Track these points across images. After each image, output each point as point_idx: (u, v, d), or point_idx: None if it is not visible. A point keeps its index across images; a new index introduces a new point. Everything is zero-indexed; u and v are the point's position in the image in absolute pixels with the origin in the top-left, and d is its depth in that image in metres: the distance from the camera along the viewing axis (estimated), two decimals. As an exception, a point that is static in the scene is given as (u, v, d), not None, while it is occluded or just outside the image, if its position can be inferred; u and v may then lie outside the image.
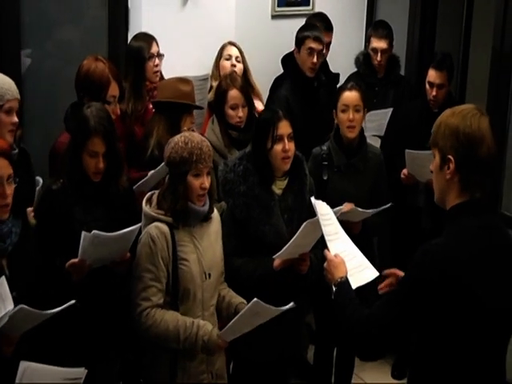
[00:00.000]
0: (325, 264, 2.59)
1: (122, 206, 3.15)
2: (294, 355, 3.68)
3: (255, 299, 2.85)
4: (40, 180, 3.36)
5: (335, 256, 2.59)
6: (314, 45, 4.57)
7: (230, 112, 4.00)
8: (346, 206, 3.60)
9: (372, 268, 2.72)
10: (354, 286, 2.51)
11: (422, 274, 2.23)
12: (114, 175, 3.16)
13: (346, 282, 2.50)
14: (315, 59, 4.57)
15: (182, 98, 3.79)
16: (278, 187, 3.44)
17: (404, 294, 2.28)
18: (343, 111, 3.88)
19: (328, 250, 2.64)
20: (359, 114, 3.88)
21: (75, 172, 3.09)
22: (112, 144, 3.11)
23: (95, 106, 3.17)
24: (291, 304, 2.98)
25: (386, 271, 2.72)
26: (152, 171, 3.55)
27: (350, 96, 3.88)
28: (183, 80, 3.87)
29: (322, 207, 2.93)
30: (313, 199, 3.00)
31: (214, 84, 4.45)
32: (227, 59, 4.59)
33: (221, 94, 4.04)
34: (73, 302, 2.64)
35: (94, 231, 2.86)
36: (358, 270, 2.64)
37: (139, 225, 3.04)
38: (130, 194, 3.30)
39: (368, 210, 3.71)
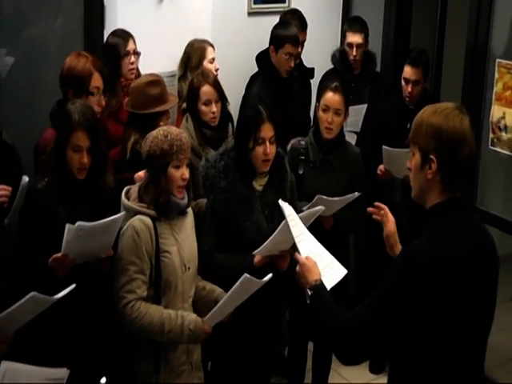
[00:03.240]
0: (297, 268, 2.55)
1: (108, 207, 3.13)
2: (275, 351, 3.68)
3: (245, 274, 2.91)
4: (26, 178, 3.32)
5: (307, 259, 2.56)
6: (292, 50, 4.58)
7: (204, 108, 3.97)
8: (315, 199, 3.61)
9: (339, 265, 2.72)
10: (328, 287, 2.49)
11: (404, 279, 2.21)
12: (99, 173, 3.15)
13: (321, 285, 2.47)
14: (292, 64, 4.61)
15: (153, 103, 3.74)
16: (259, 183, 3.45)
17: (387, 299, 2.25)
18: (324, 111, 3.89)
19: (298, 252, 2.61)
20: (339, 117, 3.88)
21: (60, 169, 3.09)
22: (96, 139, 3.11)
23: (79, 102, 3.22)
24: (269, 275, 3.04)
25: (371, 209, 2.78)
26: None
27: (333, 98, 3.87)
28: (151, 82, 3.80)
29: (287, 208, 2.94)
30: (280, 201, 3.02)
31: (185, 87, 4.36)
32: (211, 62, 4.53)
33: (193, 92, 4.01)
34: (74, 286, 2.68)
35: (79, 222, 2.86)
36: (328, 269, 2.63)
37: (123, 213, 3.04)
38: (117, 195, 3.25)
39: (335, 198, 3.69)
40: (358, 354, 2.35)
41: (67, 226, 2.85)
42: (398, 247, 2.70)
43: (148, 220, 3.04)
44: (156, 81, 3.82)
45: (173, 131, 3.07)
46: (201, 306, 3.27)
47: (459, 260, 2.25)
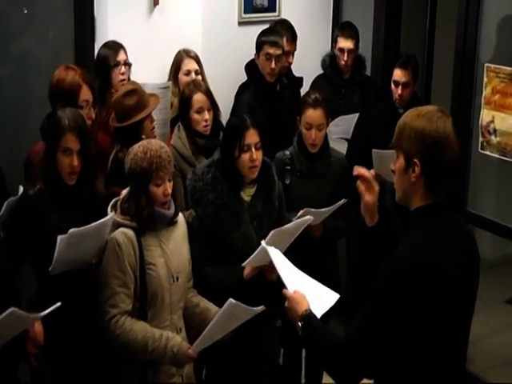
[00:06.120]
0: (286, 303, 2.51)
1: (99, 214, 3.12)
2: (267, 360, 3.69)
3: (230, 299, 2.86)
4: (21, 188, 3.31)
5: (295, 292, 2.52)
6: (271, 50, 4.60)
7: (196, 117, 3.98)
8: (301, 213, 3.61)
9: (331, 292, 2.70)
10: (319, 315, 2.47)
11: (393, 292, 2.21)
12: (89, 178, 3.17)
13: (310, 314, 2.44)
14: (273, 64, 4.61)
15: (131, 113, 3.72)
16: (247, 194, 3.46)
17: (378, 314, 2.23)
18: (307, 129, 3.89)
19: (286, 288, 2.57)
20: (322, 131, 3.90)
21: (50, 174, 3.10)
22: (86, 143, 3.13)
23: (69, 109, 3.23)
24: (261, 307, 2.99)
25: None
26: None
27: (314, 115, 3.87)
28: (127, 93, 3.78)
29: (272, 250, 2.93)
30: (263, 243, 3.01)
31: (176, 101, 4.36)
32: (186, 74, 4.54)
33: (185, 101, 4.01)
34: (59, 304, 2.68)
35: (70, 230, 2.88)
36: (319, 298, 2.61)
37: (111, 215, 3.05)
38: (107, 202, 3.25)
39: (323, 209, 3.70)
40: (352, 373, 2.31)
41: (59, 237, 2.87)
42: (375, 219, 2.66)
43: (130, 232, 3.03)
44: (132, 90, 3.80)
45: (153, 147, 3.02)
46: (195, 324, 3.23)
47: (442, 263, 2.26)
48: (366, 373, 2.34)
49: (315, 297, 2.58)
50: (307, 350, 2.40)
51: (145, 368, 3.08)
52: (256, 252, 3.14)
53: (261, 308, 3.00)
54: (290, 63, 5.03)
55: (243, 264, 3.26)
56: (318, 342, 2.39)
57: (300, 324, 2.43)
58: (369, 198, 2.63)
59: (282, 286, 2.63)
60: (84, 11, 4.60)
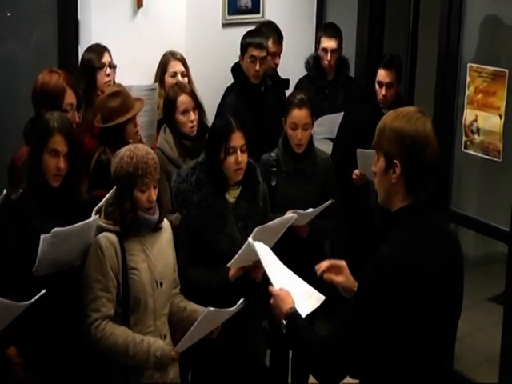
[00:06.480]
0: (271, 300, 2.52)
1: (82, 217, 3.11)
2: (253, 361, 3.69)
3: (208, 308, 2.89)
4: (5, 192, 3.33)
5: (280, 290, 2.53)
6: (255, 52, 4.61)
7: (181, 118, 3.98)
8: (288, 213, 3.61)
9: (317, 293, 2.70)
10: (304, 315, 2.47)
11: (375, 293, 2.21)
12: (74, 181, 3.16)
13: (295, 312, 2.45)
14: (257, 67, 4.61)
15: (115, 115, 3.73)
16: (232, 196, 3.46)
17: (360, 314, 2.24)
18: (292, 129, 3.91)
19: (272, 285, 2.59)
20: (307, 131, 3.92)
21: (35, 176, 3.10)
22: (73, 146, 3.13)
23: (57, 112, 3.23)
24: (241, 301, 3.01)
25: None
26: None
27: (299, 115, 3.89)
28: (111, 95, 3.79)
29: (259, 246, 2.93)
30: (250, 239, 3.01)
31: (162, 103, 4.34)
32: (172, 76, 4.56)
33: (170, 102, 4.02)
34: (44, 291, 2.69)
35: (53, 229, 2.88)
36: (305, 298, 2.62)
37: (96, 217, 3.05)
38: (91, 206, 3.25)
39: (309, 210, 3.72)
40: (335, 372, 2.32)
41: (42, 236, 2.87)
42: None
43: (113, 237, 3.03)
44: (116, 92, 3.81)
45: (139, 152, 3.02)
46: (184, 327, 3.20)
47: (425, 263, 2.27)
48: (349, 372, 2.35)
49: (301, 296, 2.59)
50: (291, 347, 2.40)
51: (128, 373, 3.07)
52: (243, 248, 3.14)
53: (240, 302, 3.01)
54: (277, 65, 5.04)
55: (228, 264, 3.27)
56: (301, 341, 2.39)
57: (284, 322, 2.44)
58: (341, 278, 2.63)
59: (268, 282, 2.64)
60: (67, 14, 4.61)
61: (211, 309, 2.89)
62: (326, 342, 2.30)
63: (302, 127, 3.89)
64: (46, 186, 3.12)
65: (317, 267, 2.63)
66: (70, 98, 3.62)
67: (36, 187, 3.11)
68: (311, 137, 4.01)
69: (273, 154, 3.99)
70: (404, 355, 2.28)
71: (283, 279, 2.67)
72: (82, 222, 2.98)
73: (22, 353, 3.09)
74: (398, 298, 2.20)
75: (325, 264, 2.64)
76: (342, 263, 2.65)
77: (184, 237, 3.38)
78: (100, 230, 3.06)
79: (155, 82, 4.60)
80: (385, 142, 2.32)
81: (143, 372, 3.09)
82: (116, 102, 3.74)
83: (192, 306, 3.26)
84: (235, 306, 3.02)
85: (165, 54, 4.64)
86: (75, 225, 2.97)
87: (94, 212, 3.12)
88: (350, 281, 2.61)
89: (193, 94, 4.09)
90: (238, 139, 3.38)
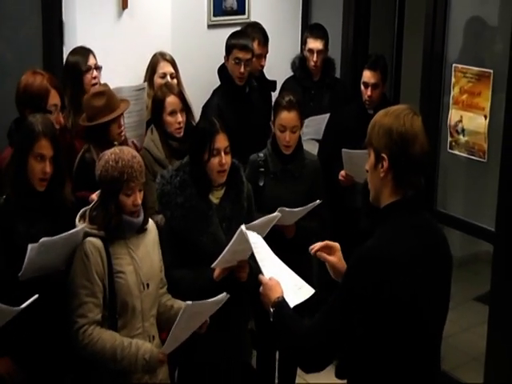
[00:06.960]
0: (260, 289, 2.56)
1: (67, 220, 3.12)
2: (239, 361, 3.69)
3: (186, 302, 2.88)
4: None
5: (270, 279, 2.57)
6: (240, 54, 4.60)
7: (169, 119, 4.00)
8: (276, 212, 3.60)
9: (307, 285, 2.71)
10: (291, 305, 2.50)
11: (358, 282, 2.23)
12: (59, 185, 3.16)
13: (283, 301, 2.48)
14: (242, 69, 4.60)
15: (99, 114, 3.74)
16: (216, 197, 3.46)
17: (342, 304, 2.27)
18: (281, 131, 3.91)
19: (262, 274, 2.62)
20: (296, 133, 3.93)
21: (19, 180, 3.08)
22: (58, 150, 3.12)
23: (40, 115, 3.21)
24: (224, 294, 3.01)
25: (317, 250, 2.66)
26: None
27: (288, 117, 3.89)
28: (96, 94, 3.81)
29: (251, 235, 2.93)
30: (243, 227, 3.02)
31: (150, 103, 4.34)
32: (161, 77, 4.56)
33: (158, 103, 4.04)
34: (36, 296, 2.70)
35: (41, 240, 2.88)
36: (294, 289, 2.63)
37: (83, 225, 3.04)
38: (76, 209, 3.24)
39: (297, 209, 3.72)
40: (318, 361, 2.36)
41: (30, 246, 2.87)
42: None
43: (98, 242, 3.01)
44: (101, 92, 3.82)
45: (125, 156, 3.00)
46: (171, 326, 3.18)
47: (412, 260, 2.28)
48: (332, 361, 2.36)
49: (291, 287, 2.62)
50: (276, 334, 2.44)
51: (117, 376, 3.06)
52: (235, 237, 3.12)
53: (223, 295, 3.01)
54: (263, 66, 5.04)
55: (214, 264, 3.26)
56: (286, 330, 2.42)
57: (272, 310, 2.48)
58: (333, 258, 2.65)
59: (259, 271, 2.66)
60: (52, 15, 4.60)
61: (189, 303, 2.88)
62: (311, 330, 2.33)
63: (291, 129, 3.90)
64: (31, 190, 3.11)
65: (311, 247, 2.67)
66: (54, 98, 3.62)
67: (21, 191, 3.10)
68: (300, 138, 4.02)
69: (261, 155, 4.00)
70: (390, 353, 2.30)
71: (274, 269, 2.69)
72: (69, 232, 2.97)
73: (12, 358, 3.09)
74: (380, 292, 2.21)
75: (319, 244, 2.67)
76: (336, 245, 2.68)
77: (168, 239, 3.37)
78: (85, 235, 3.04)
79: (145, 81, 4.60)
80: (374, 137, 2.36)
81: (132, 375, 3.08)
82: (100, 102, 3.76)
83: (179, 304, 3.25)
84: (217, 297, 3.00)
85: (154, 55, 4.65)
86: (62, 234, 2.96)
87: (77, 217, 3.10)
88: (342, 263, 2.63)
89: (181, 96, 4.10)
90: (221, 141, 3.37)
